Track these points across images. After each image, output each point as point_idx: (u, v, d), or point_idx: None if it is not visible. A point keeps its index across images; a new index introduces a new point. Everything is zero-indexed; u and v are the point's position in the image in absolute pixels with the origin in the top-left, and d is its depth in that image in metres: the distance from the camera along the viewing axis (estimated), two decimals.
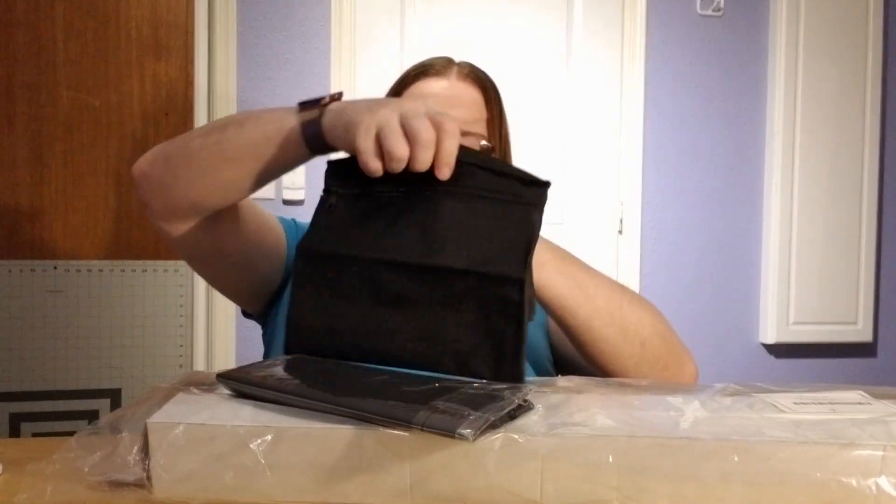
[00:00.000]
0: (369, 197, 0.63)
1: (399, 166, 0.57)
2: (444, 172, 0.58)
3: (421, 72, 0.89)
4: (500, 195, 0.60)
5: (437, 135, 0.57)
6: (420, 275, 0.59)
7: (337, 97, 0.65)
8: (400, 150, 0.56)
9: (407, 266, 0.59)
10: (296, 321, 0.64)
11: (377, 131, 0.58)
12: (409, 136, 0.57)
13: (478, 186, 0.60)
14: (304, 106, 0.66)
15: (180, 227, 0.75)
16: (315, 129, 0.64)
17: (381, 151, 0.57)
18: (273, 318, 0.89)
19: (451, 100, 0.85)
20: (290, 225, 0.91)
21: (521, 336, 0.56)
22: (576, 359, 0.82)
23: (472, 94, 0.87)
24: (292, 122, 0.65)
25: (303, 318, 0.63)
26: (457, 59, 0.91)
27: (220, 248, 0.78)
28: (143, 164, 0.75)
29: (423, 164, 0.57)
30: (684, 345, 0.74)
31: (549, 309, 0.70)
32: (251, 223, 0.81)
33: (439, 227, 0.59)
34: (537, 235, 0.59)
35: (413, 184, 0.60)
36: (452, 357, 0.58)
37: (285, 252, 0.88)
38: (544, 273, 0.67)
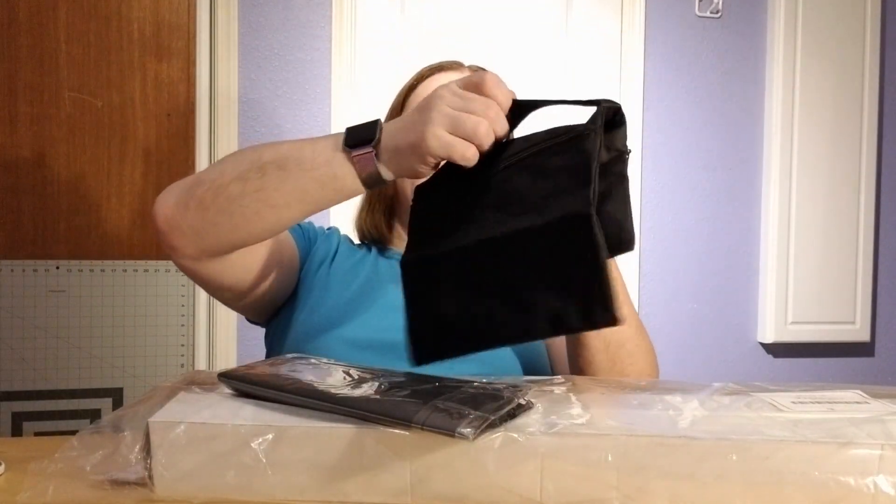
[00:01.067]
0: (444, 191, 0.62)
1: (488, 139, 0.57)
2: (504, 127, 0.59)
3: (436, 68, 0.93)
4: (555, 139, 0.59)
5: (492, 95, 0.58)
6: (503, 247, 0.57)
7: (374, 126, 0.63)
8: (482, 126, 0.57)
9: (490, 241, 0.57)
10: (417, 331, 0.60)
11: (447, 129, 0.57)
12: (476, 113, 0.57)
13: (532, 141, 0.60)
14: (355, 148, 0.62)
15: (212, 266, 0.73)
16: (372, 170, 0.61)
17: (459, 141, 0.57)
18: (277, 320, 0.90)
19: None
20: (295, 228, 0.92)
21: (600, 273, 0.53)
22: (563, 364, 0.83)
23: None
24: (342, 164, 0.62)
25: (423, 325, 0.60)
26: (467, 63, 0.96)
27: (241, 275, 0.78)
28: (168, 209, 0.69)
29: (501, 129, 0.58)
30: (654, 355, 0.78)
31: None
32: (272, 243, 0.80)
33: (507, 195, 0.58)
34: (595, 160, 0.57)
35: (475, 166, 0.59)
36: (548, 320, 0.55)
37: (298, 261, 0.88)
38: None
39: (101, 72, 1.70)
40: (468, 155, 0.57)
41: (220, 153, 1.84)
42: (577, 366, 0.75)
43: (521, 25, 2.06)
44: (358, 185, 0.63)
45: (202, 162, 1.77)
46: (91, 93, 1.70)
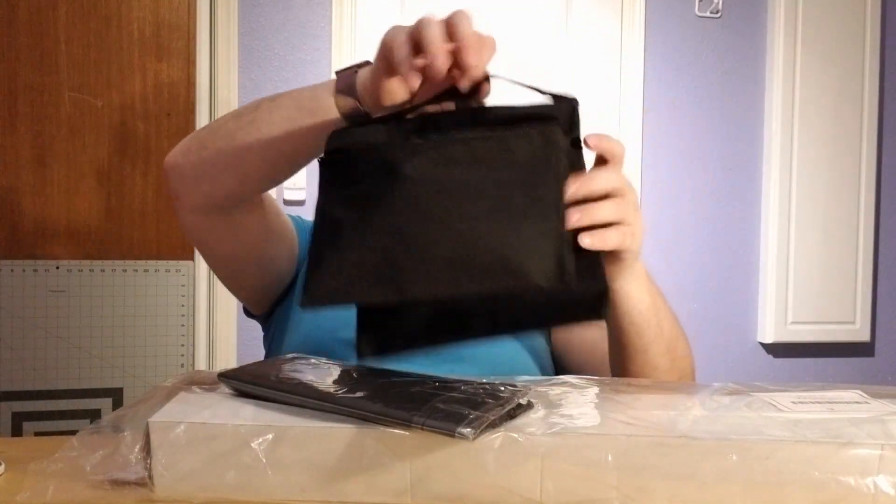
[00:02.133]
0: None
1: (441, 56, 0.53)
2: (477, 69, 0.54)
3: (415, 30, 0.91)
4: (515, 126, 0.54)
5: (455, 31, 0.55)
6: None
7: (364, 65, 0.63)
8: (438, 39, 0.53)
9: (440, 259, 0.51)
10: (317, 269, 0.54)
11: (409, 30, 0.55)
12: (449, 31, 0.54)
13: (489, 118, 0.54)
14: (340, 71, 0.64)
15: (210, 221, 0.74)
16: (348, 82, 0.61)
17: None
18: (276, 318, 0.89)
19: None
20: (298, 221, 0.92)
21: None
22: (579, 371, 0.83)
23: None
24: (326, 85, 0.63)
25: (324, 265, 0.54)
26: None
27: (244, 243, 0.78)
28: (175, 155, 0.72)
29: (475, 56, 0.53)
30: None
31: (623, 320, 0.67)
32: (273, 218, 0.81)
33: (455, 193, 0.52)
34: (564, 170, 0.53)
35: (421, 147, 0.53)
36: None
37: (297, 250, 0.88)
38: (636, 286, 0.65)
39: (101, 72, 1.70)
40: (402, 67, 0.53)
41: None
42: (631, 370, 0.71)
43: (521, 25, 2.06)
44: (332, 102, 0.61)
45: None
46: (91, 93, 1.70)
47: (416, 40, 0.54)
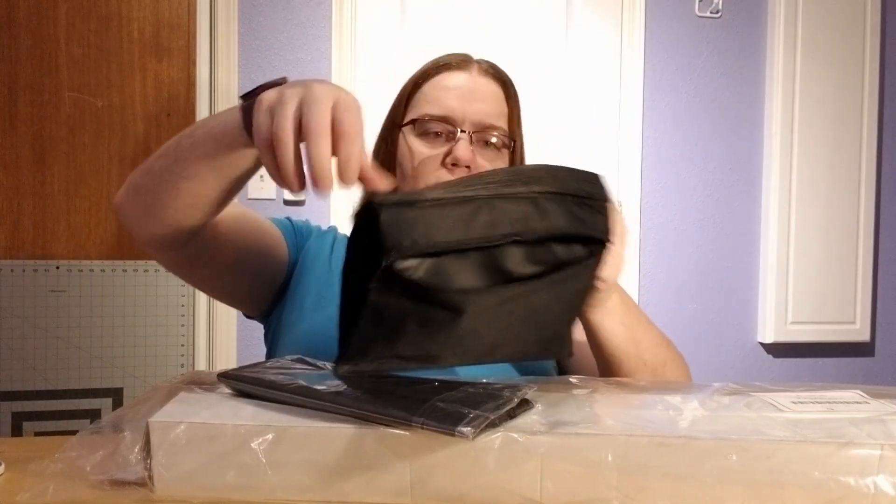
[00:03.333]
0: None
1: (284, 152, 0.49)
2: (346, 178, 0.49)
3: (442, 65, 0.87)
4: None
5: (336, 134, 0.50)
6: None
7: (280, 82, 0.57)
8: (285, 132, 0.49)
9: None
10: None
11: (270, 107, 0.51)
12: (303, 123, 0.50)
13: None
14: (245, 97, 0.59)
15: (170, 253, 0.73)
16: (250, 118, 0.56)
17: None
18: (276, 318, 0.89)
19: (474, 93, 0.84)
20: (285, 223, 0.91)
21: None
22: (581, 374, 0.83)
23: (493, 89, 0.86)
24: (234, 118, 0.59)
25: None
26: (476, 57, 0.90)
27: (215, 263, 0.78)
28: (119, 196, 0.71)
29: (316, 158, 0.49)
30: None
31: (599, 351, 0.70)
32: (243, 231, 0.80)
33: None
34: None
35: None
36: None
37: (286, 252, 0.88)
38: (608, 320, 0.68)
39: (101, 72, 1.70)
40: (262, 154, 0.51)
41: None
42: None
43: (522, 26, 2.06)
44: (244, 136, 0.58)
45: None
46: (91, 93, 1.70)
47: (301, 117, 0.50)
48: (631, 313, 0.71)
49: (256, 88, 0.58)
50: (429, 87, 0.86)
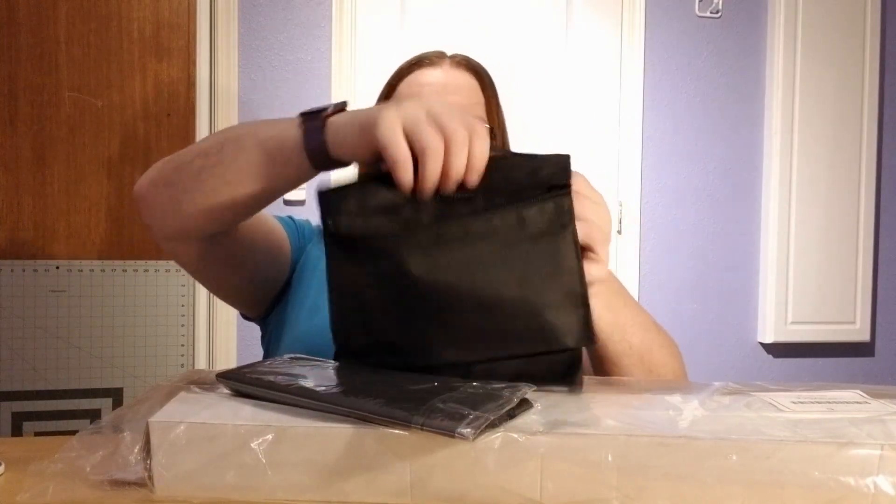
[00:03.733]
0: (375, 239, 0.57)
1: (435, 164, 0.52)
2: (474, 179, 0.53)
3: (415, 63, 0.89)
4: (522, 197, 0.55)
5: (469, 136, 0.53)
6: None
7: (341, 107, 0.60)
8: (436, 142, 0.52)
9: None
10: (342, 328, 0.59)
11: (403, 125, 0.53)
12: (443, 133, 0.53)
13: (499, 199, 0.55)
14: (307, 117, 0.61)
15: (185, 248, 0.73)
16: (318, 141, 0.59)
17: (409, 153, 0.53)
18: (274, 319, 0.89)
19: (447, 87, 0.85)
20: (289, 223, 0.91)
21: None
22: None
23: (467, 80, 0.88)
24: (293, 137, 0.60)
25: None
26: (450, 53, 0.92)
27: (227, 261, 0.78)
28: (143, 186, 0.71)
29: (458, 167, 0.52)
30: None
31: None
32: (256, 230, 0.80)
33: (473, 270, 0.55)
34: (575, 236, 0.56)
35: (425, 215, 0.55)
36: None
37: (289, 252, 0.88)
38: (593, 303, 0.67)
39: (101, 72, 1.70)
40: (402, 171, 0.52)
41: None
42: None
43: (522, 26, 2.06)
44: (303, 157, 0.59)
45: None
46: (91, 93, 1.70)
47: (440, 129, 0.53)
48: (618, 297, 0.71)
49: (318, 110, 0.60)
50: (404, 86, 0.88)
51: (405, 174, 0.53)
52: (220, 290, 0.85)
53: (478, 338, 0.56)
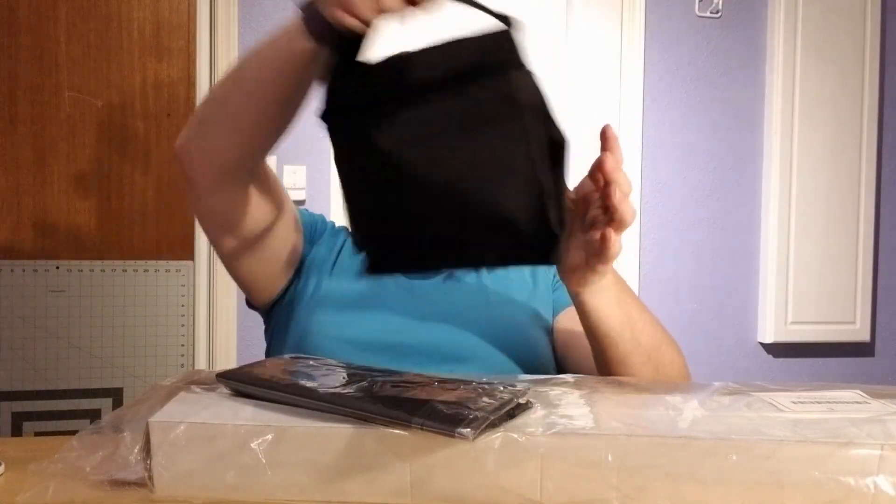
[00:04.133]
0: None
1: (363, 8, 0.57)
2: None
3: None
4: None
5: None
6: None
7: None
8: None
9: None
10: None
11: None
12: None
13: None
14: (301, 5, 0.65)
15: (225, 198, 0.75)
16: (316, 15, 0.62)
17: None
18: (276, 315, 0.89)
19: None
20: (305, 214, 0.92)
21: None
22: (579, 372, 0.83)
23: None
24: (296, 24, 0.64)
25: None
26: None
27: (256, 220, 0.79)
28: (181, 138, 0.74)
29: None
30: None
31: (594, 333, 0.69)
32: (283, 199, 0.82)
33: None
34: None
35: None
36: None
37: (302, 242, 0.88)
38: (603, 299, 0.66)
39: (101, 72, 1.70)
40: (336, 15, 0.57)
41: None
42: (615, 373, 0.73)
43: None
44: (305, 36, 0.63)
45: None
46: (91, 93, 1.70)
47: None
48: (625, 293, 0.70)
49: None
50: None
51: (342, 20, 0.58)
52: (238, 259, 0.85)
53: (453, 226, 0.57)
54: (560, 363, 0.89)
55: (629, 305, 0.69)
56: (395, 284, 0.87)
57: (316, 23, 0.62)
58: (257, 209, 0.79)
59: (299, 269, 0.88)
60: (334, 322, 0.82)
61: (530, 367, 0.82)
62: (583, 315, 0.68)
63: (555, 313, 0.90)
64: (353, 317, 0.83)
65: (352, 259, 0.90)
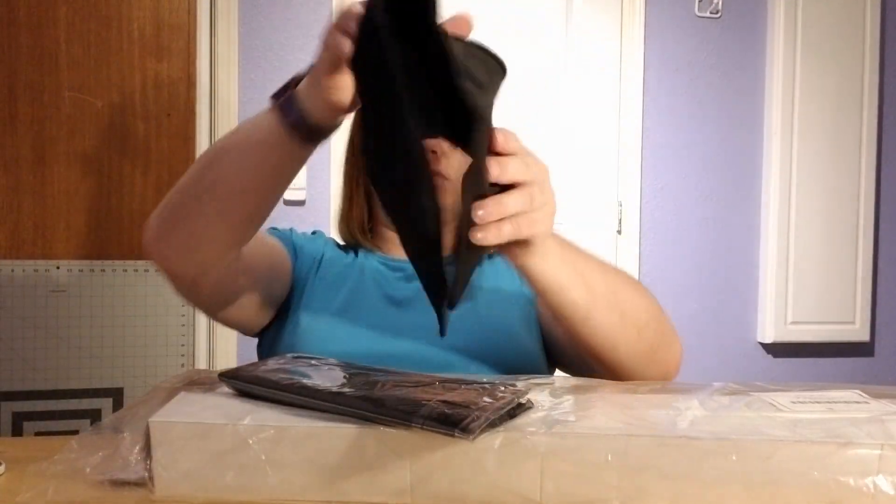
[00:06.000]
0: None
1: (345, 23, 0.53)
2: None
3: None
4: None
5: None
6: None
7: (302, 75, 0.61)
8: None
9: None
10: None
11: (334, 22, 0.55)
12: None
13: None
14: (276, 97, 0.61)
15: (201, 286, 0.72)
16: (294, 112, 0.59)
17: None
18: (271, 334, 0.89)
19: None
20: (287, 236, 0.90)
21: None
22: (565, 344, 0.81)
23: None
24: (273, 120, 0.61)
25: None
26: None
27: (237, 287, 0.77)
28: (152, 241, 0.70)
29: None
30: (671, 323, 0.73)
31: (549, 297, 0.65)
32: (261, 252, 0.80)
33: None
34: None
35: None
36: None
37: (290, 270, 0.87)
38: (549, 263, 0.63)
39: (101, 72, 1.70)
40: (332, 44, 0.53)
41: None
42: (589, 344, 0.69)
43: (521, 26, 2.06)
44: (288, 134, 0.60)
45: None
46: (91, 93, 1.70)
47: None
48: (569, 251, 0.66)
49: (284, 86, 0.61)
50: None
51: (339, 48, 0.53)
52: (230, 318, 0.83)
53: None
54: (550, 346, 0.87)
55: (575, 261, 0.65)
56: (379, 288, 0.87)
57: (304, 128, 0.60)
58: (248, 276, 0.76)
59: (290, 290, 0.88)
60: (321, 338, 0.81)
61: (517, 370, 0.80)
62: (533, 286, 0.65)
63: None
64: (339, 331, 0.82)
65: (333, 266, 0.89)
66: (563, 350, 0.84)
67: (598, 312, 0.66)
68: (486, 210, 0.53)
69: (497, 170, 0.53)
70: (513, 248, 0.59)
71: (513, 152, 0.55)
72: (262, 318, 0.87)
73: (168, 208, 0.68)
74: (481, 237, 0.53)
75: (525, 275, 0.64)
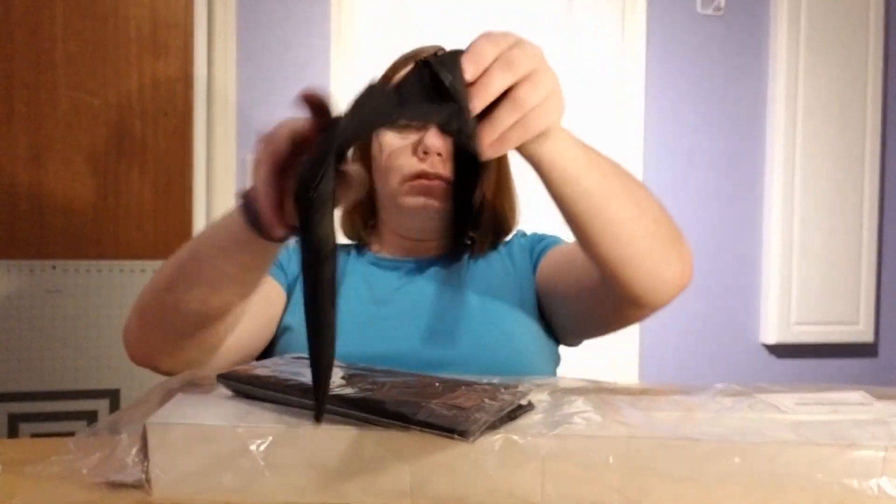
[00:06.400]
0: None
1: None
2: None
3: (410, 58, 0.88)
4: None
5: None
6: None
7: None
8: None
9: None
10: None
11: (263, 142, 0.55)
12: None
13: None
14: (239, 197, 0.60)
15: (205, 364, 0.72)
16: (252, 209, 0.57)
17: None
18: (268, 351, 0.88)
19: None
20: (276, 272, 0.89)
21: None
22: (567, 300, 0.80)
23: None
24: (237, 221, 0.59)
25: None
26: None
27: (241, 348, 0.77)
28: (133, 343, 0.69)
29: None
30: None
31: (563, 189, 0.60)
32: (256, 307, 0.78)
33: None
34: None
35: None
36: None
37: (284, 291, 0.86)
38: (561, 149, 0.58)
39: (97, 70, 1.69)
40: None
41: (218, 152, 1.84)
42: (602, 242, 0.64)
43: (523, 24, 2.06)
44: (254, 234, 0.58)
45: (200, 160, 1.77)
46: (88, 91, 1.69)
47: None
48: (580, 142, 0.62)
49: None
50: (396, 80, 0.85)
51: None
52: (240, 363, 0.83)
53: None
54: (554, 310, 0.86)
55: (587, 150, 0.62)
56: (371, 288, 0.86)
57: (252, 213, 0.58)
58: (248, 333, 0.76)
59: (285, 306, 0.87)
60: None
61: (509, 367, 0.79)
62: (546, 176, 0.60)
63: (535, 272, 0.88)
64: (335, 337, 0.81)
65: None
66: (568, 303, 0.82)
67: (614, 200, 0.62)
68: (484, 136, 0.50)
69: (476, 101, 0.49)
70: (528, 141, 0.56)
71: (486, 65, 0.50)
72: (266, 342, 0.86)
73: (145, 318, 0.68)
74: (491, 154, 0.51)
75: (538, 165, 0.59)
